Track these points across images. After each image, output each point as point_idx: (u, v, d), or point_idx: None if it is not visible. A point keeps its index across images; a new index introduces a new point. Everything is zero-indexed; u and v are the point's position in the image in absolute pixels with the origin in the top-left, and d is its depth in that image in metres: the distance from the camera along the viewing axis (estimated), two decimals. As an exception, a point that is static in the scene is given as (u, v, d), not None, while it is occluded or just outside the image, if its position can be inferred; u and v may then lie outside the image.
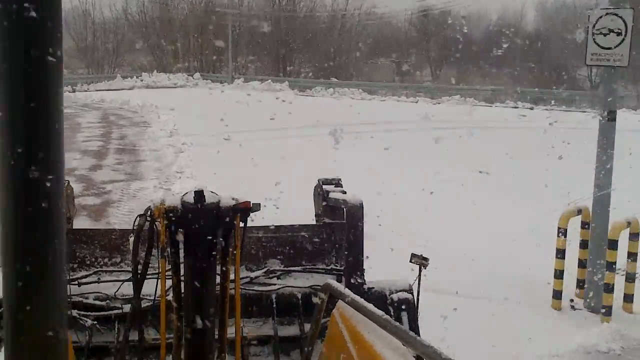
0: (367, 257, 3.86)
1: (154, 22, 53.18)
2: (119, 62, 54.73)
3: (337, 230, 4.09)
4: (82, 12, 54.05)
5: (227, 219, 2.68)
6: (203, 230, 2.61)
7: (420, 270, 3.94)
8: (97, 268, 3.97)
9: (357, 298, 2.70)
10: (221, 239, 2.69)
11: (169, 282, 2.84)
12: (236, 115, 21.66)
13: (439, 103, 34.08)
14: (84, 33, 54.40)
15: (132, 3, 54.32)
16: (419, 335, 3.15)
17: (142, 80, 40.57)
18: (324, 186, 4.26)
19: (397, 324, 2.47)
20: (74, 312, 3.56)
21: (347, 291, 2.81)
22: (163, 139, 19.85)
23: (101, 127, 23.72)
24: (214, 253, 2.68)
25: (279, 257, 4.10)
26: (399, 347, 2.41)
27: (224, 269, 2.80)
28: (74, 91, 36.39)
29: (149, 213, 2.72)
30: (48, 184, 1.36)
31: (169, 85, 40.55)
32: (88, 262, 3.99)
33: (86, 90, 37.70)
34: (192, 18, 50.40)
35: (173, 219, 2.64)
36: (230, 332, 2.99)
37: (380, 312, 2.51)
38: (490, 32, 59.93)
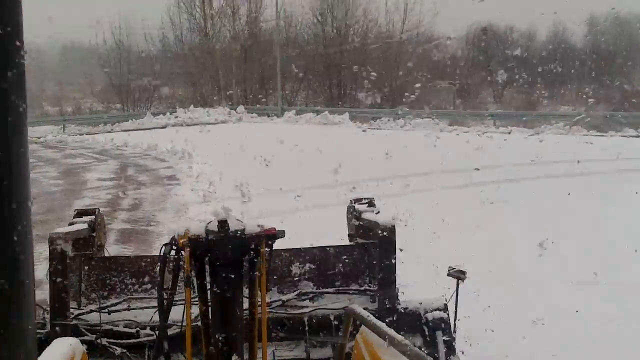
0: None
1: (193, 51, 46.38)
2: (155, 96, 48.41)
3: (370, 250, 4.01)
4: (116, 44, 47.76)
5: (252, 246, 2.61)
6: (228, 257, 2.57)
7: (457, 285, 3.59)
8: (128, 295, 3.91)
9: (378, 322, 2.65)
10: (247, 265, 2.61)
11: (196, 310, 2.75)
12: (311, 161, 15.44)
13: (537, 133, 26.33)
14: (117, 67, 48.06)
15: (169, 31, 47.71)
16: (455, 353, 3.48)
17: (176, 117, 33.52)
18: (356, 206, 4.18)
19: (416, 348, 2.36)
20: (104, 341, 3.49)
21: (367, 314, 2.79)
22: (194, 207, 12.65)
23: (112, 186, 16.76)
24: (240, 279, 2.62)
25: (311, 278, 4.01)
26: None
27: (251, 294, 2.72)
28: (93, 134, 29.59)
29: (173, 242, 2.66)
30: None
31: (208, 122, 33.50)
32: (118, 290, 3.95)
33: (110, 131, 30.78)
34: (234, 46, 43.36)
35: (198, 247, 2.57)
36: (260, 356, 2.84)
37: (399, 337, 2.42)
38: (547, 50, 53.17)
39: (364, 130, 26.27)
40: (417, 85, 45.05)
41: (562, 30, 57.93)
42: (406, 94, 44.08)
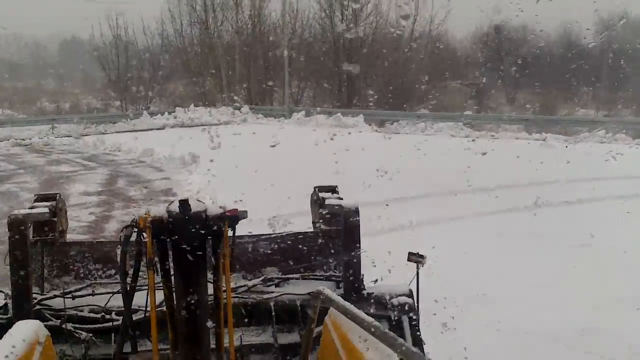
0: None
1: (193, 46, 43.40)
2: (155, 93, 45.47)
3: (334, 236, 3.99)
4: (114, 38, 44.83)
5: (215, 227, 2.57)
6: (190, 239, 2.52)
7: (417, 269, 3.69)
8: (91, 280, 3.83)
9: (347, 304, 2.64)
10: (210, 248, 2.60)
11: (161, 294, 2.70)
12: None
13: (576, 142, 23.44)
14: (115, 62, 45.20)
15: (168, 25, 44.66)
16: (420, 338, 3.50)
17: (175, 118, 30.58)
18: (320, 193, 4.09)
19: (386, 330, 2.38)
20: (69, 326, 3.44)
21: (338, 297, 2.78)
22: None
23: (97, 203, 14.05)
24: (203, 262, 2.58)
25: (276, 264, 3.98)
26: (390, 354, 2.29)
27: (216, 278, 2.72)
28: (84, 135, 26.72)
29: (134, 224, 2.61)
30: None
31: (210, 122, 30.55)
32: (82, 275, 3.87)
33: (103, 133, 27.86)
34: (239, 41, 40.38)
35: (159, 229, 2.53)
36: (227, 341, 2.84)
37: (369, 319, 2.44)
38: (558, 50, 50.51)
39: (389, 138, 23.30)
40: (426, 85, 42.70)
41: (577, 29, 55.55)
42: (426, 97, 41.75)
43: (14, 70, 57.73)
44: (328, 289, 2.97)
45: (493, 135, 24.96)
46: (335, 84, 39.35)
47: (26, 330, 2.54)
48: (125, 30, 44.49)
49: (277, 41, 40.21)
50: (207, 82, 40.76)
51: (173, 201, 2.56)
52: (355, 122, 28.84)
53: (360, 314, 2.51)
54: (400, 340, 2.27)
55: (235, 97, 37.92)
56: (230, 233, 2.67)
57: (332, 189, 4.18)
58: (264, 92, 41.23)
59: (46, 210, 3.75)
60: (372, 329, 2.37)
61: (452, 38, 54.53)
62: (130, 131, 28.17)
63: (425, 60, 45.45)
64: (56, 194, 4.04)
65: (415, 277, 3.65)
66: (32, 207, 3.80)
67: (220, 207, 2.63)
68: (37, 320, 2.81)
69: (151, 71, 45.07)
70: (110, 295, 3.59)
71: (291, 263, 3.98)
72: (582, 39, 50.29)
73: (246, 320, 3.63)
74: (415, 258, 3.68)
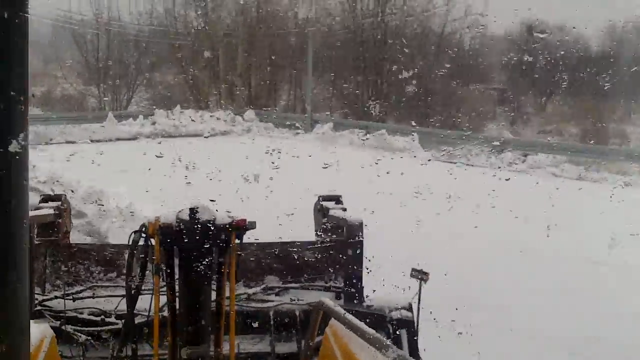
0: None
1: (189, 32, 33.75)
2: (139, 83, 36.31)
3: (337, 247, 3.85)
4: (94, 16, 35.42)
5: (223, 236, 2.54)
6: (198, 247, 2.49)
7: (420, 286, 3.69)
8: (93, 283, 3.73)
9: (350, 316, 2.54)
10: (216, 256, 2.56)
11: (164, 299, 2.69)
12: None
13: None
14: (94, 43, 35.92)
15: (159, 5, 35.14)
16: (417, 352, 3.39)
17: (153, 124, 21.09)
18: (323, 203, 4.02)
19: (387, 342, 2.24)
20: (68, 328, 3.35)
21: (340, 309, 2.68)
22: None
23: None
24: (208, 270, 2.53)
25: (277, 273, 3.86)
26: None
27: (219, 285, 2.67)
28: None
29: (143, 229, 2.57)
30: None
31: (201, 132, 21.07)
32: (83, 277, 3.77)
33: (47, 143, 18.34)
34: (243, 29, 30.66)
35: (168, 235, 2.50)
36: (227, 349, 2.83)
37: (371, 331, 2.32)
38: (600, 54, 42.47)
39: (506, 179, 14.57)
40: (453, 90, 33.82)
41: (620, 33, 47.25)
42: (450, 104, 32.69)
43: None
44: (329, 300, 2.87)
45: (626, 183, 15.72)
46: (362, 89, 29.56)
47: (33, 330, 1.94)
48: (108, 9, 35.34)
49: (286, 30, 30.87)
50: (200, 76, 31.10)
51: (183, 209, 2.48)
52: (407, 143, 19.56)
53: (361, 325, 2.39)
54: (401, 352, 2.18)
55: (237, 94, 28.54)
56: (237, 242, 2.60)
57: (336, 199, 4.07)
58: (268, 92, 31.74)
59: (51, 211, 3.67)
60: (373, 341, 2.26)
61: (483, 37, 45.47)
62: (89, 142, 18.67)
63: (456, 63, 36.29)
64: (62, 195, 3.94)
65: (418, 293, 3.61)
66: (37, 208, 3.69)
67: (230, 216, 2.56)
68: (44, 321, 2.90)
69: (136, 56, 36.07)
70: (111, 298, 3.49)
71: (292, 272, 3.82)
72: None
73: (245, 328, 3.47)
74: (418, 275, 3.64)
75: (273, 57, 31.28)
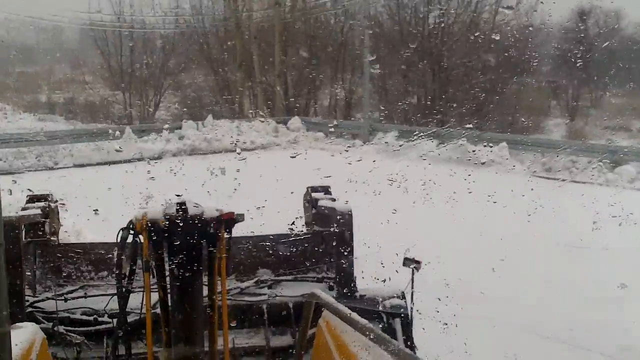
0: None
1: (215, 27, 29.87)
2: (166, 87, 32.74)
3: (327, 238, 3.74)
4: (117, 18, 31.99)
5: (211, 230, 2.49)
6: (187, 242, 2.44)
7: (412, 274, 3.58)
8: (84, 282, 3.65)
9: (341, 307, 2.56)
10: (206, 251, 2.51)
11: (156, 296, 2.62)
12: None
13: None
14: (117, 46, 32.55)
15: (185, 2, 31.42)
16: (412, 341, 3.35)
17: (181, 138, 17.09)
18: (313, 194, 3.90)
19: (380, 332, 2.28)
20: (61, 328, 3.26)
21: (332, 300, 2.70)
22: None
23: None
24: (199, 265, 2.49)
25: (269, 266, 3.77)
26: (383, 355, 2.19)
27: (210, 280, 2.60)
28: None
29: (131, 226, 2.51)
30: None
31: (242, 148, 17.01)
32: (74, 277, 3.68)
33: (52, 167, 14.54)
34: (278, 24, 26.47)
35: (156, 231, 2.45)
36: (221, 343, 2.76)
37: (363, 321, 2.35)
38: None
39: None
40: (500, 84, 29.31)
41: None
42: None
43: (26, 54, 48.26)
44: (322, 292, 2.87)
45: None
46: (422, 91, 25.01)
47: (22, 333, 2.44)
48: (131, 7, 31.77)
49: (326, 25, 26.72)
50: (232, 79, 27.03)
51: (170, 204, 2.44)
52: (496, 155, 15.28)
53: (354, 316, 2.40)
54: (394, 341, 2.17)
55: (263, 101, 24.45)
56: (226, 236, 2.55)
57: (325, 189, 3.98)
58: (308, 97, 27.53)
59: (38, 211, 3.59)
60: (366, 331, 2.27)
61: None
62: (103, 164, 14.76)
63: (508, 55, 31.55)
64: (49, 194, 3.85)
65: (411, 281, 3.56)
66: (24, 209, 3.63)
67: (217, 210, 2.52)
68: (33, 323, 2.73)
69: (162, 58, 32.51)
70: (103, 297, 3.40)
71: (284, 265, 3.76)
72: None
73: (239, 322, 3.37)
74: (411, 263, 3.59)
75: (313, 56, 27.14)
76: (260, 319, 3.47)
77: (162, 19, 33.00)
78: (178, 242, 2.41)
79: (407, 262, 3.59)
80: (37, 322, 3.12)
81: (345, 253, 3.49)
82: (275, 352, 3.41)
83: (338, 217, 3.50)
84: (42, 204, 3.68)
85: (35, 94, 38.97)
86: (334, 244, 3.58)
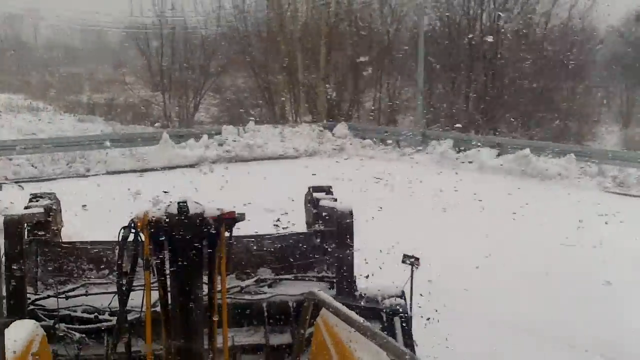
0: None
1: (258, 26, 28.82)
2: (207, 87, 31.82)
3: (328, 237, 3.74)
4: (156, 16, 31.26)
5: (212, 229, 2.49)
6: (188, 240, 2.44)
7: (412, 271, 3.68)
8: (85, 280, 3.64)
9: (339, 305, 2.56)
10: (206, 249, 2.51)
11: (156, 294, 2.63)
12: None
13: None
14: (158, 48, 31.92)
15: (227, 2, 30.44)
16: (412, 339, 3.33)
17: (221, 144, 15.92)
18: (314, 194, 3.92)
19: (376, 330, 2.30)
20: (62, 326, 3.28)
21: (330, 299, 2.69)
22: None
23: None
24: (199, 263, 2.50)
25: (270, 265, 3.78)
26: (379, 353, 2.21)
27: (211, 278, 2.61)
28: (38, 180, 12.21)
29: (132, 225, 2.51)
30: None
31: (283, 154, 15.78)
32: (76, 275, 3.68)
33: (85, 175, 13.60)
34: (324, 25, 25.09)
35: (157, 230, 2.45)
36: (220, 341, 2.75)
37: (360, 319, 2.36)
38: None
39: None
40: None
41: None
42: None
43: (70, 55, 49.69)
44: (320, 291, 2.86)
45: None
46: (477, 95, 23.22)
47: (22, 330, 2.43)
48: (172, 6, 31.03)
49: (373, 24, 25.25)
50: (274, 82, 25.75)
51: (171, 203, 2.43)
52: (559, 167, 13.75)
53: (352, 314, 2.41)
54: (391, 340, 2.19)
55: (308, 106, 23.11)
56: (227, 234, 2.54)
57: (327, 190, 3.98)
58: (351, 101, 26.08)
59: (41, 210, 3.58)
60: (363, 330, 2.27)
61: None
62: (138, 171, 13.71)
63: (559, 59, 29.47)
64: (52, 193, 3.86)
65: (410, 279, 3.63)
66: (27, 207, 3.61)
67: (218, 209, 2.51)
68: (33, 320, 2.74)
69: (202, 59, 31.64)
70: (104, 295, 3.39)
71: (284, 264, 3.75)
72: None
73: (238, 320, 3.42)
74: (410, 260, 3.69)
75: (357, 58, 25.72)
76: (260, 318, 3.47)
77: (203, 19, 32.41)
78: (179, 241, 2.39)
79: (405, 259, 3.68)
80: (39, 319, 3.13)
81: (345, 252, 3.46)
82: (275, 350, 3.38)
83: (338, 217, 3.48)
84: (45, 202, 3.67)
85: (77, 94, 39.06)
86: (334, 242, 3.55)
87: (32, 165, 14.35)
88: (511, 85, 23.89)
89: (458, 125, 19.32)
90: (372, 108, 27.04)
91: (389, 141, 18.03)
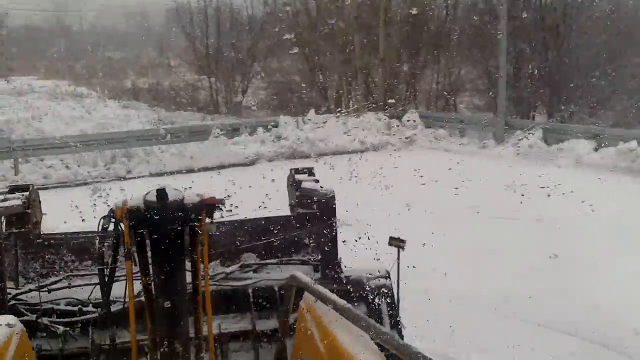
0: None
1: (309, 12, 26.70)
2: (254, 72, 30.01)
3: (311, 220, 3.62)
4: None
5: (193, 216, 2.37)
6: (168, 228, 2.33)
7: (398, 253, 3.63)
8: (67, 273, 3.50)
9: (321, 288, 2.49)
10: (188, 236, 2.41)
11: (138, 284, 2.52)
12: None
13: None
14: (203, 29, 30.56)
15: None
16: (398, 319, 3.33)
17: (278, 139, 13.81)
18: (296, 176, 3.77)
19: (358, 312, 2.26)
20: (45, 320, 3.18)
21: (311, 282, 2.61)
22: None
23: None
24: (181, 251, 2.40)
25: (253, 250, 3.67)
26: (362, 335, 2.18)
27: (194, 266, 2.52)
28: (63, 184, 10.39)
29: (111, 214, 2.40)
30: None
31: (348, 148, 13.59)
32: (57, 267, 3.56)
33: (123, 178, 11.61)
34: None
35: (137, 218, 2.33)
36: (206, 329, 2.70)
37: (341, 301, 2.31)
38: None
39: None
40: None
41: None
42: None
43: (115, 39, 48.46)
44: (301, 274, 2.77)
45: None
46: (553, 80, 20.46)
47: (0, 325, 2.32)
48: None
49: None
50: (327, 62, 23.52)
51: (150, 190, 2.33)
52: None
53: (334, 297, 2.35)
54: (372, 321, 2.16)
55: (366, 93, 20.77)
56: (208, 221, 2.44)
57: (309, 171, 3.84)
58: (409, 84, 23.67)
59: (19, 202, 3.41)
60: (345, 312, 2.23)
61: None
62: (184, 172, 11.72)
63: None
64: (29, 185, 3.67)
65: (396, 261, 3.52)
66: (4, 200, 3.42)
67: (198, 195, 2.40)
68: (12, 315, 2.57)
69: (249, 41, 29.78)
70: (87, 287, 3.29)
71: (268, 248, 3.64)
72: None
73: (225, 307, 3.34)
74: (396, 242, 3.60)
75: (416, 39, 23.21)
76: (246, 304, 3.38)
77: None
78: (159, 229, 2.31)
79: (392, 241, 3.67)
80: (20, 314, 3.05)
81: (329, 234, 3.38)
82: (262, 336, 3.32)
83: (321, 199, 3.40)
84: (23, 194, 3.48)
85: (121, 79, 38.00)
86: (317, 225, 3.46)
87: (67, 167, 12.57)
88: (588, 68, 21.05)
89: (537, 113, 16.76)
90: (432, 88, 24.60)
91: (470, 131, 15.62)
